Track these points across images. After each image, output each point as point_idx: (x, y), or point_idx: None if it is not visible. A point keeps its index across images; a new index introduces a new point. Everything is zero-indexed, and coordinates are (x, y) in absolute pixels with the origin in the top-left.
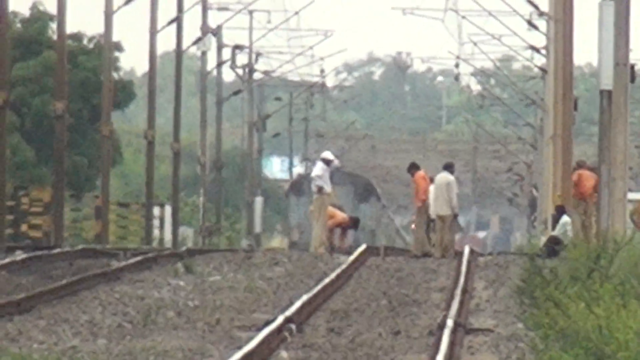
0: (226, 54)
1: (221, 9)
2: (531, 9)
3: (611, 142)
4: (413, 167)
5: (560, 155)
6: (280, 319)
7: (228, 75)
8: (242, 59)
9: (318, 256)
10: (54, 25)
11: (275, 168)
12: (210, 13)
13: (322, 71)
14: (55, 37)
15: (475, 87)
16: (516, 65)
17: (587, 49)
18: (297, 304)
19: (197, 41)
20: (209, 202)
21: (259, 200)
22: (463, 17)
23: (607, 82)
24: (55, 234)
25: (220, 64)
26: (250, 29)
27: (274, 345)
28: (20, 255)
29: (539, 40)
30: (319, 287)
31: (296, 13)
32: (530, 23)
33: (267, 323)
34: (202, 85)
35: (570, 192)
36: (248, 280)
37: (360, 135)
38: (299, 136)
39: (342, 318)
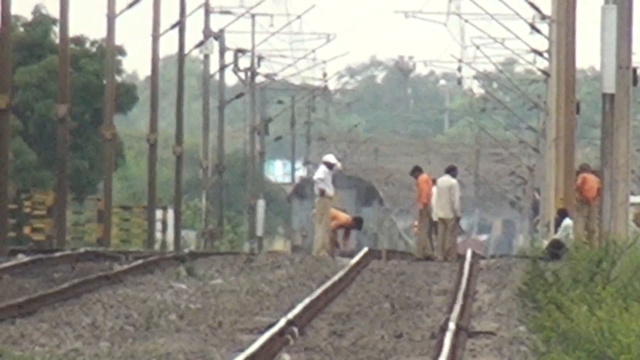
0: (229, 57)
1: (224, 12)
2: (534, 12)
3: (614, 146)
4: (416, 170)
5: (563, 159)
6: (282, 322)
7: (230, 79)
8: (244, 62)
9: (320, 259)
10: (56, 29)
11: (278, 171)
12: (212, 17)
13: (324, 75)
14: (57, 40)
15: (478, 91)
16: (519, 69)
17: (589, 52)
18: (300, 307)
19: (200, 45)
20: (211, 206)
21: (261, 204)
22: (465, 20)
23: (609, 85)
24: (57, 237)
25: (222, 68)
26: (253, 32)
27: (276, 348)
28: (22, 259)
29: (542, 44)
30: (321, 289)
31: (298, 17)
32: (532, 26)
33: (270, 326)
34: (204, 88)
35: (572, 195)
36: (250, 283)
37: (362, 138)
38: (302, 139)
39: (345, 321)
